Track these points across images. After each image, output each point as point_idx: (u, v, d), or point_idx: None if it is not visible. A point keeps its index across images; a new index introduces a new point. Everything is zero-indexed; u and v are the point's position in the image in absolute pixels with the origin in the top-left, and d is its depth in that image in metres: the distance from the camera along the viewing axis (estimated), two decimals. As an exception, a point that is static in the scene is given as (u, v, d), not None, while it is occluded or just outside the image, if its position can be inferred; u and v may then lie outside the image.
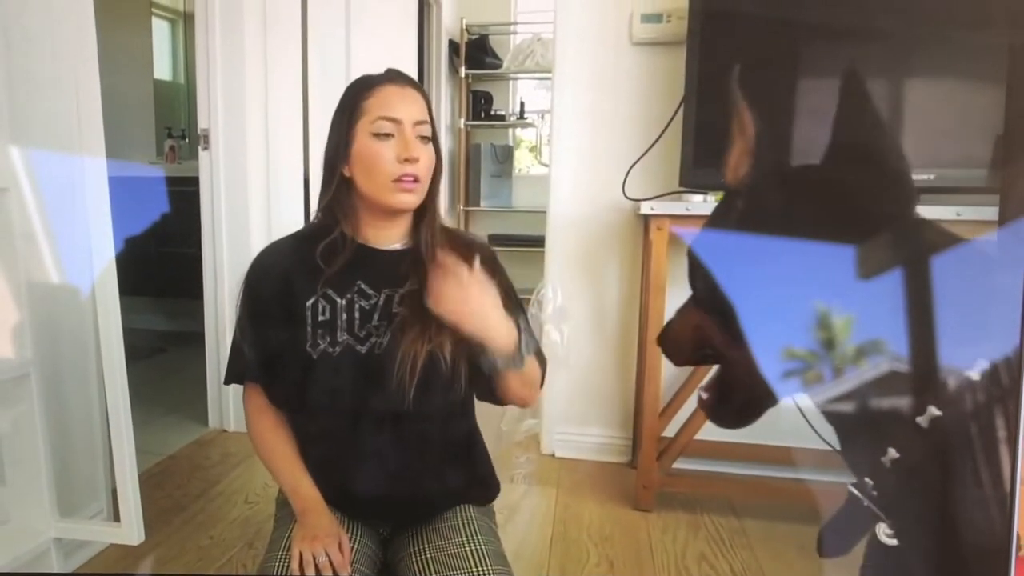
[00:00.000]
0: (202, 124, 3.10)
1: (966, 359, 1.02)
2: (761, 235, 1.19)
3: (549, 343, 2.88)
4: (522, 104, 5.91)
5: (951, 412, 1.01)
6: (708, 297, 1.23)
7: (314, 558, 1.37)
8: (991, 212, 1.21)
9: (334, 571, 1.37)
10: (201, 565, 2.17)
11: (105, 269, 1.86)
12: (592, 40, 2.83)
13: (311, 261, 1.45)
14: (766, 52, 2.42)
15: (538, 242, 3.21)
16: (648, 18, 2.73)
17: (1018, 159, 1.34)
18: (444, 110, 5.50)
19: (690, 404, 2.56)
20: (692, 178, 2.47)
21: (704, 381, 1.27)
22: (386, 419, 1.44)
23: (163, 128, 5.02)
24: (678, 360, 1.38)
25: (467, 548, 1.44)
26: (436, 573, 1.40)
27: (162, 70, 5.15)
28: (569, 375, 2.97)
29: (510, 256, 1.93)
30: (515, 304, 1.47)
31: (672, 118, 2.62)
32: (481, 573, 1.39)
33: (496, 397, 1.48)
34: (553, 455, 3.03)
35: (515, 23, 5.86)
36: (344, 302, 1.45)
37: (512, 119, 5.90)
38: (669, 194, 2.64)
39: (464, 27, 5.61)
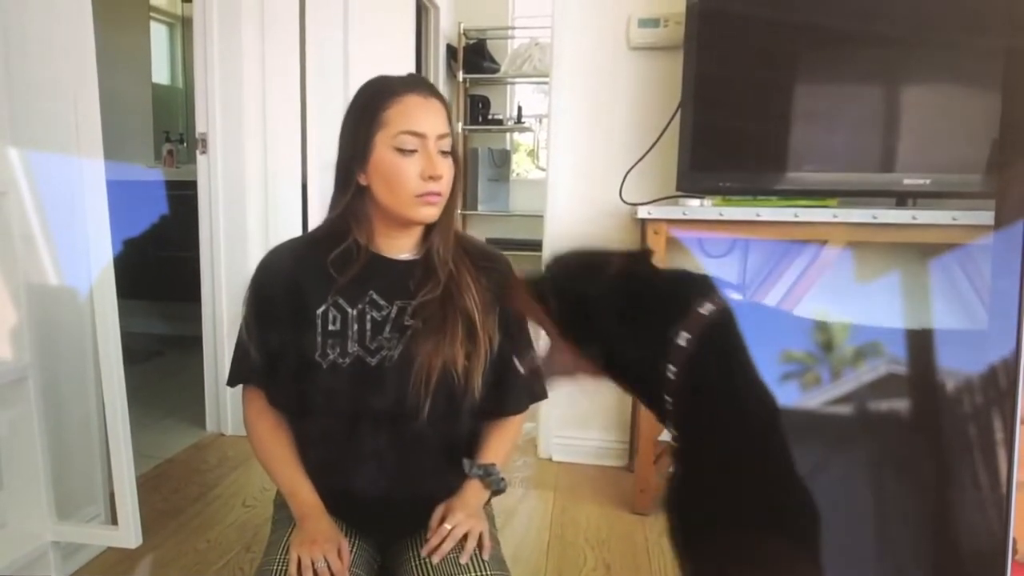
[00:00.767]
0: (200, 128, 3.11)
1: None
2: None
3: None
4: (519, 108, 5.91)
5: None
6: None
7: (312, 563, 1.36)
8: (987, 216, 1.21)
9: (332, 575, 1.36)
10: (199, 568, 2.17)
11: (103, 272, 1.86)
12: (589, 45, 2.83)
13: (322, 267, 1.43)
14: (764, 57, 2.43)
15: (535, 246, 3.22)
16: (645, 23, 2.73)
17: (1014, 163, 1.34)
18: (442, 114, 5.50)
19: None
20: (689, 182, 2.48)
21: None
22: (392, 430, 1.44)
23: (161, 132, 5.03)
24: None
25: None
26: (435, 577, 1.40)
27: (160, 74, 5.15)
28: (567, 379, 2.97)
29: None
30: (525, 340, 1.50)
31: (669, 123, 2.63)
32: (480, 577, 1.39)
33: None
34: (551, 459, 3.03)
35: (513, 28, 5.87)
36: (355, 312, 1.44)
37: (510, 123, 5.91)
38: (666, 198, 2.64)
39: (462, 31, 5.62)
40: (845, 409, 1.13)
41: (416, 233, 1.49)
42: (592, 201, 2.87)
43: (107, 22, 3.21)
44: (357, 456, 1.45)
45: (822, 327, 1.19)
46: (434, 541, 1.41)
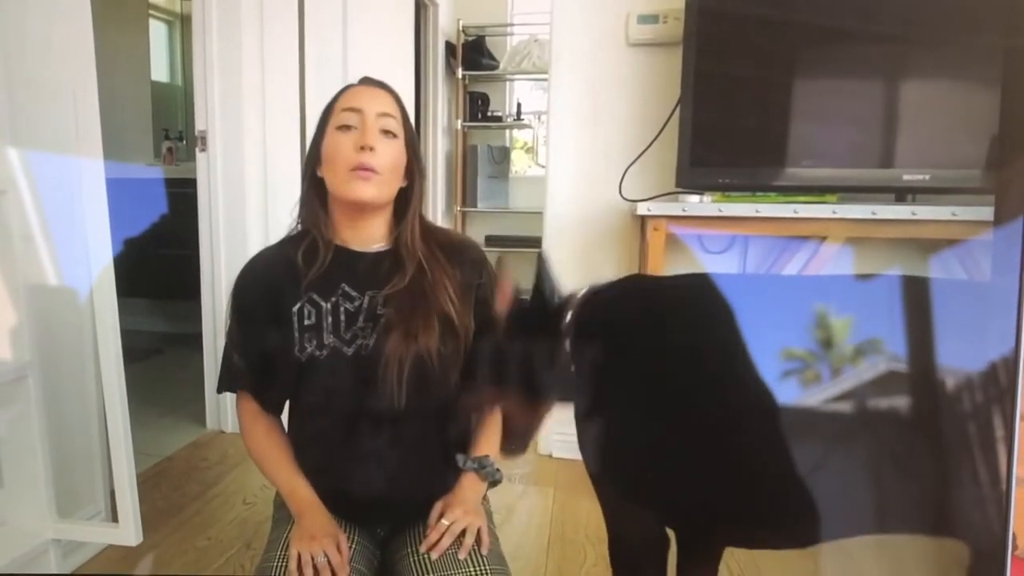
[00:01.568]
0: (199, 126, 3.10)
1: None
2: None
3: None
4: (519, 105, 5.90)
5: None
6: None
7: (312, 558, 1.37)
8: (987, 212, 1.22)
9: (332, 571, 1.37)
10: (199, 566, 2.18)
11: (103, 270, 1.86)
12: (588, 41, 2.83)
13: (295, 267, 1.46)
14: (763, 53, 2.43)
15: (535, 243, 3.22)
16: (644, 19, 2.73)
17: (1013, 159, 1.35)
18: (441, 111, 5.50)
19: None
20: (688, 179, 2.48)
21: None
22: (377, 420, 1.45)
23: (160, 130, 5.02)
24: None
25: (465, 548, 1.45)
26: (434, 573, 1.40)
27: (159, 72, 5.15)
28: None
29: (507, 257, 1.94)
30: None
31: (668, 119, 2.63)
32: (479, 573, 1.39)
33: None
34: (551, 455, 3.03)
35: (511, 24, 5.86)
36: (329, 305, 1.45)
37: (509, 120, 5.90)
38: (666, 195, 2.64)
39: (461, 28, 5.61)
40: (845, 406, 1.13)
41: (380, 224, 1.51)
42: (591, 198, 2.87)
43: (106, 20, 3.21)
44: (349, 450, 1.47)
45: (822, 324, 1.19)
46: (432, 537, 1.42)
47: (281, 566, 1.39)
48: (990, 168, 2.17)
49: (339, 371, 1.44)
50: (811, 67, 2.47)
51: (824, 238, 2.41)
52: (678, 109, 2.51)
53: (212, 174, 3.10)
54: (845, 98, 2.43)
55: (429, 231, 1.54)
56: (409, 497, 1.50)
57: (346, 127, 1.43)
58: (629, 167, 2.73)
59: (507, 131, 6.12)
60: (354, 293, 1.46)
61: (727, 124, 2.45)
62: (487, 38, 5.76)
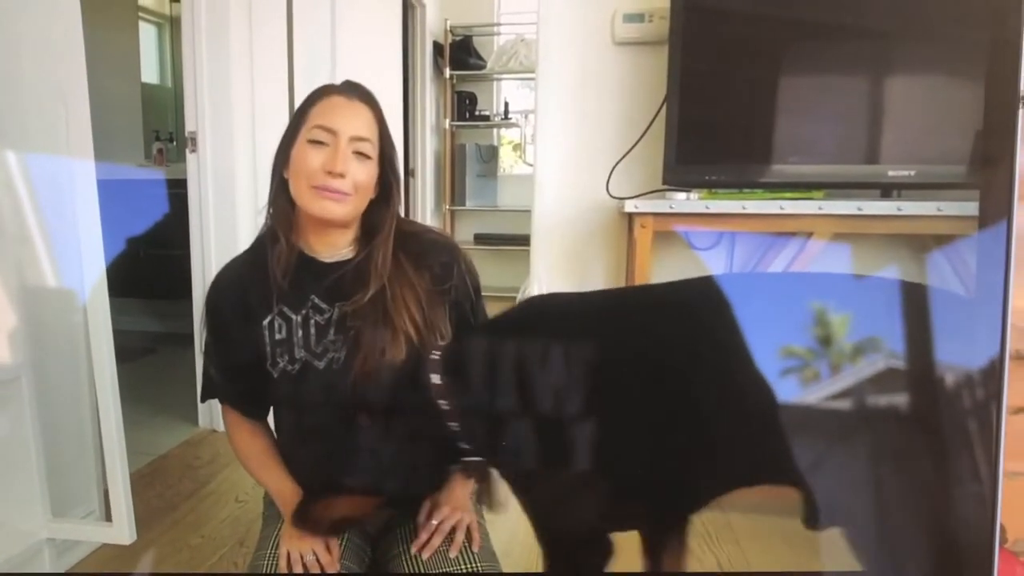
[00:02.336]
0: (189, 127, 3.10)
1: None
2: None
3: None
4: (506, 104, 5.91)
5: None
6: None
7: (302, 557, 1.38)
8: (972, 207, 1.23)
9: (322, 569, 1.38)
10: (193, 564, 2.18)
11: (95, 271, 1.87)
12: (575, 40, 2.84)
13: (264, 278, 1.46)
14: (748, 50, 2.45)
15: (523, 241, 3.22)
16: (630, 18, 2.74)
17: (997, 155, 1.36)
18: (429, 111, 5.49)
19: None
20: (675, 176, 2.49)
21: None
22: (355, 430, 1.45)
23: (151, 131, 5.01)
24: None
25: (456, 544, 1.46)
26: (426, 571, 1.42)
27: (149, 73, 5.14)
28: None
29: (496, 255, 1.96)
30: (479, 306, 1.51)
31: (655, 117, 2.64)
32: (470, 570, 1.40)
33: None
34: (541, 452, 3.03)
35: (498, 24, 5.86)
36: (299, 319, 1.46)
37: (496, 119, 5.91)
38: (653, 192, 2.66)
39: (448, 28, 5.61)
40: (844, 404, 1.15)
41: (347, 232, 1.51)
42: (579, 196, 2.87)
43: (96, 22, 3.21)
44: (326, 457, 1.47)
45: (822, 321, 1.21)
46: (423, 536, 1.43)
47: (272, 564, 1.40)
48: (975, 163, 2.19)
49: (312, 385, 1.45)
50: (797, 64, 2.49)
51: (811, 234, 2.43)
52: (664, 107, 2.52)
53: (202, 175, 3.10)
54: (831, 94, 2.45)
55: (400, 241, 1.53)
56: (397, 497, 1.50)
57: (318, 142, 1.43)
58: (616, 165, 2.74)
59: (495, 130, 6.13)
60: (324, 305, 1.46)
61: (713, 121, 2.46)
62: (474, 38, 5.76)
